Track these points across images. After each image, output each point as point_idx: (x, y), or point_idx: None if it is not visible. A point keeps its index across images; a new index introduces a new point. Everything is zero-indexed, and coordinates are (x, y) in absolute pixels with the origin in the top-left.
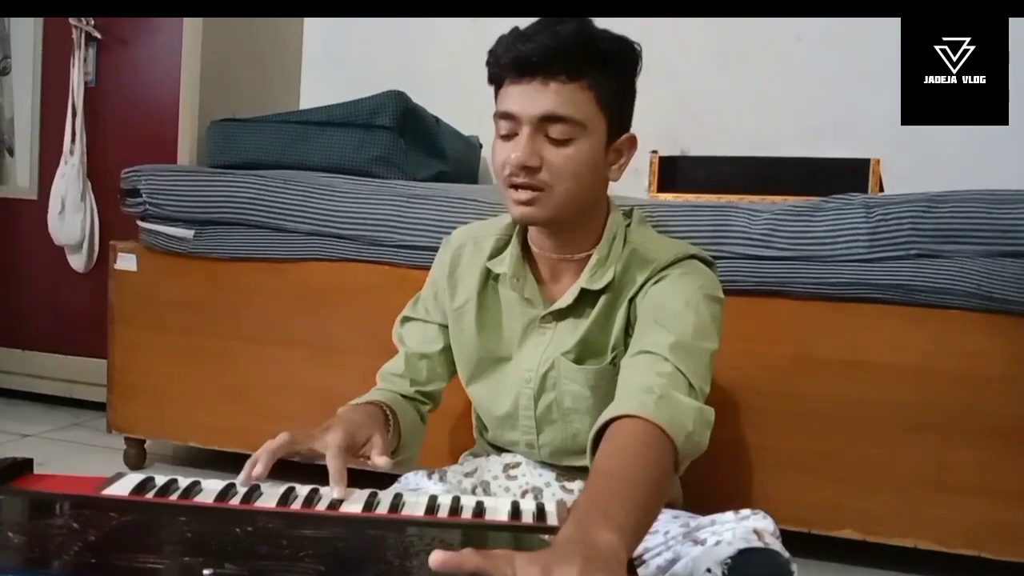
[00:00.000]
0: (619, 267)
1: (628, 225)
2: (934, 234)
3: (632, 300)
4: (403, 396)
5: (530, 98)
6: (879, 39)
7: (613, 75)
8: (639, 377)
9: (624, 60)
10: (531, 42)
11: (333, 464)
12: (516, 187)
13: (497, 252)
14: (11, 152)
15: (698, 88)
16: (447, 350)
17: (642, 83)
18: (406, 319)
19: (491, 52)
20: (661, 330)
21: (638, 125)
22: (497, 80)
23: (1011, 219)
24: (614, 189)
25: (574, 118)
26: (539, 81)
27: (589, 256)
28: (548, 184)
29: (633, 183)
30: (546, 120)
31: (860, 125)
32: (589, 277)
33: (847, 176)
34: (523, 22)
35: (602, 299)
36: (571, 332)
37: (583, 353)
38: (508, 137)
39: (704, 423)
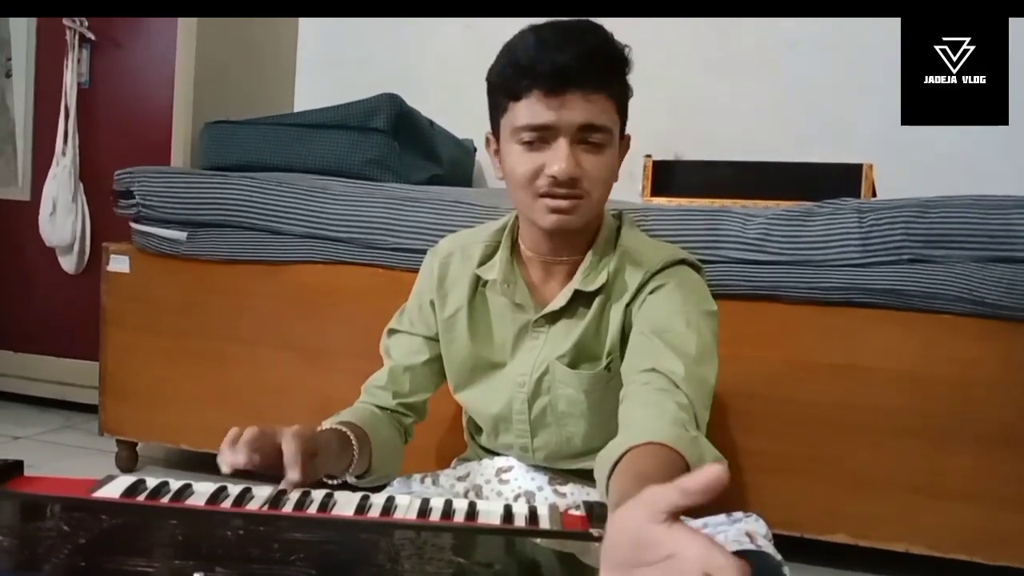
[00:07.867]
0: (611, 269)
1: (619, 228)
2: (926, 239)
3: (628, 307)
4: (384, 409)
5: (568, 109)
6: (872, 44)
7: (624, 82)
8: (662, 401)
9: (627, 66)
10: (563, 52)
11: (289, 446)
12: (553, 196)
13: (486, 259)
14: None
15: (692, 94)
16: (432, 362)
17: (636, 88)
18: (392, 331)
19: (509, 63)
20: (670, 353)
21: (632, 130)
22: (517, 90)
23: (1003, 224)
24: None
25: (607, 126)
26: (576, 93)
27: (580, 259)
28: (587, 191)
29: (627, 187)
30: (584, 130)
31: (853, 130)
32: (583, 278)
33: (840, 181)
34: (519, 23)
35: (596, 301)
36: (565, 335)
37: (577, 357)
38: (534, 147)
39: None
